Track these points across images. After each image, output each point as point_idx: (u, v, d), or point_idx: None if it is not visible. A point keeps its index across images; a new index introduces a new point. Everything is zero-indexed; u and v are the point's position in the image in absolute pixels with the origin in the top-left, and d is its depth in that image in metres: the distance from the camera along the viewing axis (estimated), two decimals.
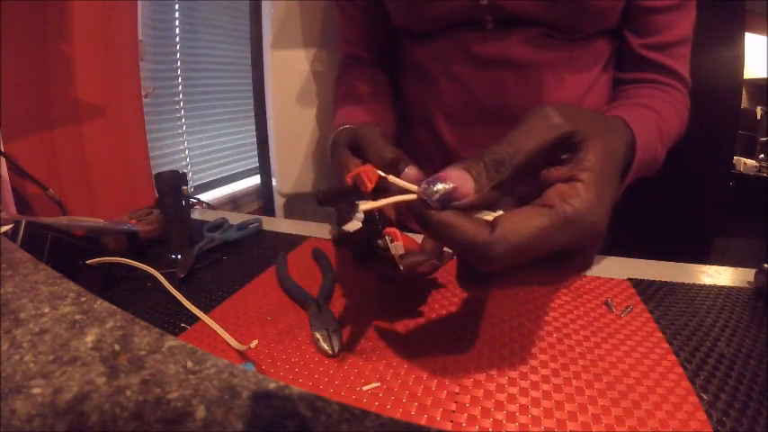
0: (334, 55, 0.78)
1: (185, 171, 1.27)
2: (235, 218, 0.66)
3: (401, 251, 0.30)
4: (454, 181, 0.23)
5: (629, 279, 0.46)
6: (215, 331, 0.37)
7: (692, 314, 0.39)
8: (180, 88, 1.38)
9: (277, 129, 0.83)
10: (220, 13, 1.53)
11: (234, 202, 1.58)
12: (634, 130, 0.34)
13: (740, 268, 0.48)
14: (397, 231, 0.30)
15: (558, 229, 0.22)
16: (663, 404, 0.29)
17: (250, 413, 0.15)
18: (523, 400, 0.30)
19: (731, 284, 0.45)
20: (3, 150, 0.66)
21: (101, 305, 0.22)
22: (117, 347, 0.19)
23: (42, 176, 0.74)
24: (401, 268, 0.32)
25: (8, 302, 0.22)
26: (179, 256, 0.53)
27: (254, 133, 1.05)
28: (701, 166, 1.33)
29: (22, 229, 0.41)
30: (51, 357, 0.18)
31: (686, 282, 0.46)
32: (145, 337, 0.19)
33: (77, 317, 0.21)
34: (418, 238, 0.41)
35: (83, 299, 0.23)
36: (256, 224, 0.62)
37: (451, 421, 0.28)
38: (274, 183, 0.89)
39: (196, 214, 0.73)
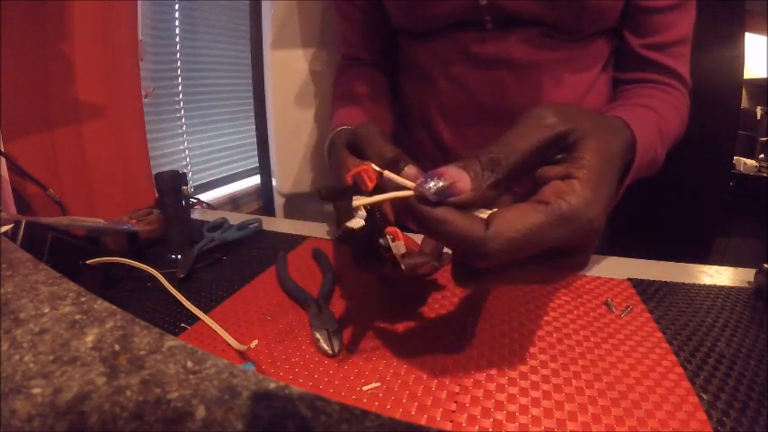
0: (335, 55, 0.78)
1: (185, 171, 1.27)
2: (235, 218, 0.66)
3: (403, 250, 0.30)
4: (451, 177, 0.23)
5: (629, 279, 0.46)
6: (215, 331, 0.37)
7: (692, 314, 0.39)
8: (180, 88, 1.38)
9: (277, 129, 0.83)
10: (220, 13, 1.53)
11: (234, 202, 1.58)
12: (634, 130, 0.34)
13: (740, 268, 0.48)
14: (399, 231, 0.30)
15: (553, 225, 0.22)
16: (663, 404, 0.29)
17: (250, 413, 0.15)
18: (523, 400, 0.30)
19: (731, 284, 0.45)
20: (3, 150, 0.66)
21: (101, 305, 0.22)
22: (117, 347, 0.19)
23: (42, 176, 0.74)
24: (403, 268, 0.32)
25: (8, 302, 0.22)
26: (179, 256, 0.53)
27: (254, 133, 1.05)
28: (701, 166, 1.33)
29: (22, 229, 0.41)
30: (51, 357, 0.18)
31: (686, 282, 0.46)
32: (145, 337, 0.19)
33: (77, 317, 0.21)
34: (418, 239, 0.41)
35: (83, 299, 0.23)
36: (256, 224, 0.62)
37: (451, 421, 0.28)
38: (274, 183, 0.89)
39: (196, 214, 0.73)
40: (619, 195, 0.37)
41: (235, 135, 1.67)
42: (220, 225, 0.61)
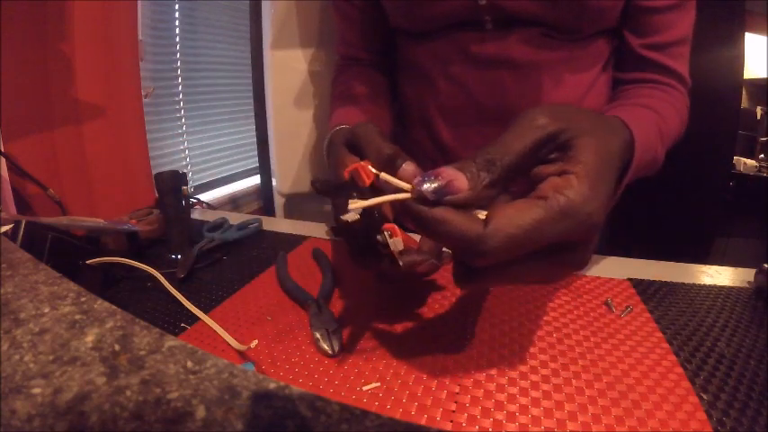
0: (334, 55, 0.78)
1: (185, 171, 1.27)
2: (235, 218, 0.66)
3: (401, 247, 0.30)
4: (448, 176, 0.23)
5: (629, 279, 0.46)
6: (215, 331, 0.37)
7: (692, 314, 0.40)
8: (180, 88, 1.39)
9: (277, 129, 0.83)
10: (220, 13, 1.53)
11: (234, 202, 1.58)
12: (633, 129, 0.34)
13: (740, 268, 0.48)
14: (397, 227, 0.30)
15: (553, 219, 0.23)
16: (663, 404, 0.29)
17: (250, 413, 0.15)
18: (523, 400, 0.30)
19: (731, 284, 0.45)
20: (3, 150, 0.66)
21: (101, 305, 0.22)
22: (117, 347, 0.19)
23: (42, 176, 0.74)
24: (401, 264, 0.32)
25: (8, 302, 0.22)
26: (179, 256, 0.53)
27: (254, 133, 1.05)
28: (701, 166, 1.33)
29: (22, 229, 0.41)
30: (51, 357, 0.18)
31: (686, 282, 0.46)
32: (145, 337, 0.19)
33: (77, 317, 0.21)
34: (417, 237, 0.41)
35: (83, 299, 0.23)
36: (256, 224, 0.62)
37: (451, 421, 0.28)
38: (274, 183, 0.89)
39: (196, 214, 0.73)
40: (618, 195, 0.37)
41: (235, 135, 1.67)
42: (220, 225, 0.61)
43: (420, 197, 0.24)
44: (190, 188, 1.13)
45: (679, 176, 1.24)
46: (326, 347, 0.35)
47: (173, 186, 0.55)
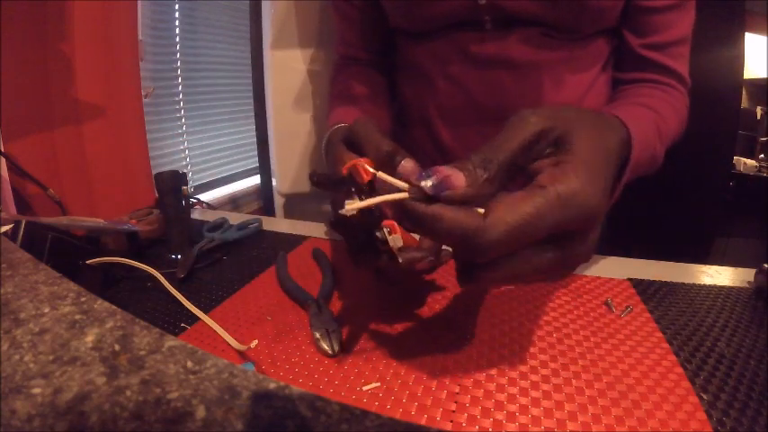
0: (333, 55, 0.78)
1: (185, 171, 1.27)
2: (235, 218, 0.66)
3: (400, 243, 0.30)
4: (446, 173, 0.24)
5: (629, 279, 0.46)
6: (215, 331, 0.37)
7: (692, 314, 0.39)
8: (180, 88, 1.39)
9: (277, 129, 0.83)
10: (220, 13, 1.53)
11: (234, 202, 1.58)
12: (630, 127, 0.34)
13: (740, 268, 0.48)
14: (396, 224, 0.30)
15: (551, 207, 0.23)
16: (663, 404, 0.29)
17: (250, 413, 0.15)
18: (523, 400, 0.30)
19: (731, 284, 0.45)
20: (3, 150, 0.66)
21: (101, 305, 0.22)
22: (117, 347, 0.19)
23: (42, 176, 0.74)
24: (400, 260, 0.32)
25: (8, 302, 0.22)
26: (179, 256, 0.53)
27: (254, 133, 1.05)
28: (701, 166, 1.33)
29: (22, 229, 0.41)
30: (51, 357, 0.18)
31: (686, 282, 0.46)
32: (145, 337, 0.19)
33: (77, 317, 0.21)
34: (417, 236, 0.41)
35: (83, 299, 0.23)
36: (256, 224, 0.62)
37: (451, 421, 0.28)
38: (274, 183, 0.89)
39: (196, 214, 0.73)
40: (618, 192, 0.37)
41: (235, 135, 1.67)
42: (220, 225, 0.61)
43: (418, 195, 0.24)
44: (190, 188, 1.13)
45: (679, 176, 1.24)
46: (326, 347, 0.35)
47: (173, 186, 0.55)
